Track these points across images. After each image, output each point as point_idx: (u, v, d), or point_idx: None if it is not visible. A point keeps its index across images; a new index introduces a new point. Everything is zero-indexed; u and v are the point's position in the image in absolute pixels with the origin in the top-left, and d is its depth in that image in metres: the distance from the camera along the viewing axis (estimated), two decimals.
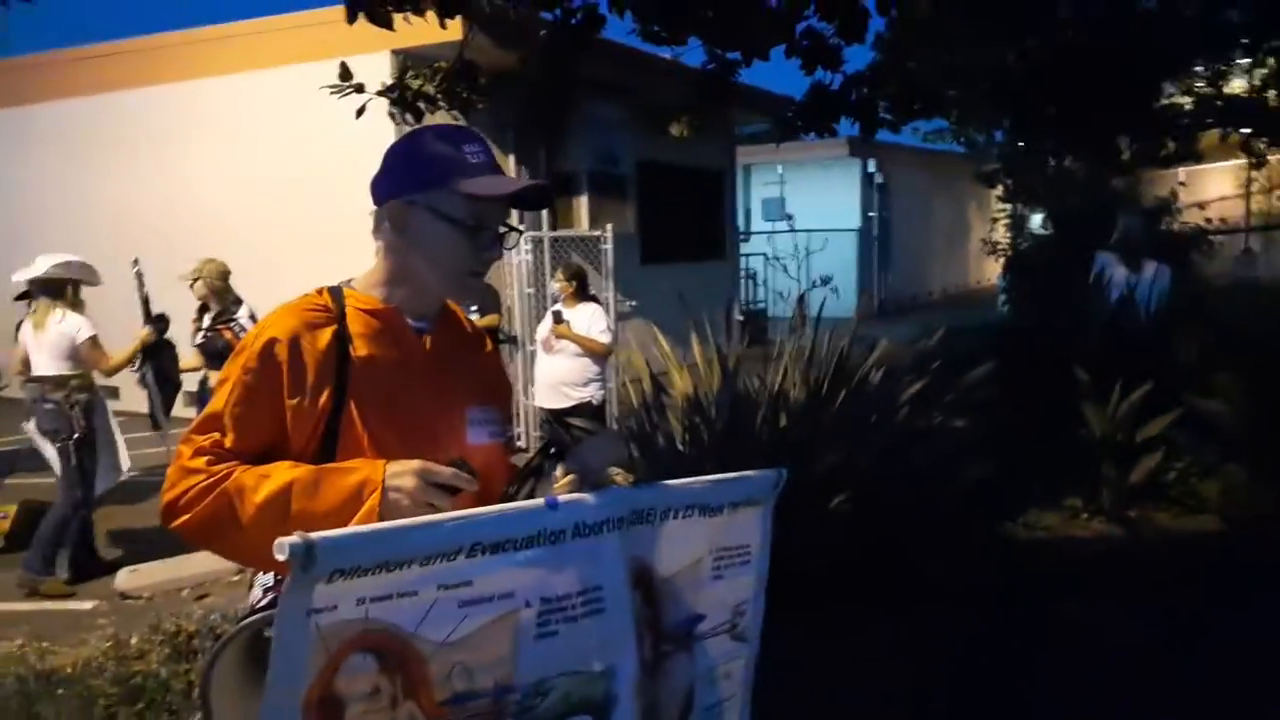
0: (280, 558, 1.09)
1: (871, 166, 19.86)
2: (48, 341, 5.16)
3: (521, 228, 8.35)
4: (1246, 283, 12.23)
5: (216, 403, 1.50)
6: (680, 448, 4.25)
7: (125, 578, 5.01)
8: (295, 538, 1.10)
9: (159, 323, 5.40)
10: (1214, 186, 21.13)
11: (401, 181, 1.56)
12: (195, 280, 5.70)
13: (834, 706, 3.29)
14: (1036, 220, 15.93)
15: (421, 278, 1.58)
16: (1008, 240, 14.92)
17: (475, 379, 1.68)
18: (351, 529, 1.21)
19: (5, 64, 11.01)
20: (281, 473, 1.42)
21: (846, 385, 4.47)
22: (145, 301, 5.38)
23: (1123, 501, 5.21)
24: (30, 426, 5.34)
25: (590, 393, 5.85)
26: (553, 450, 1.53)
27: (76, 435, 5.16)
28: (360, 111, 4.49)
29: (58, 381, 5.16)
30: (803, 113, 6.09)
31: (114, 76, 9.82)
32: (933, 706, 3.36)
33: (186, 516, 1.43)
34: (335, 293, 1.60)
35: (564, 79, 7.05)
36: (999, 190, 15.45)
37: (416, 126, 5.30)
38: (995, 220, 16.85)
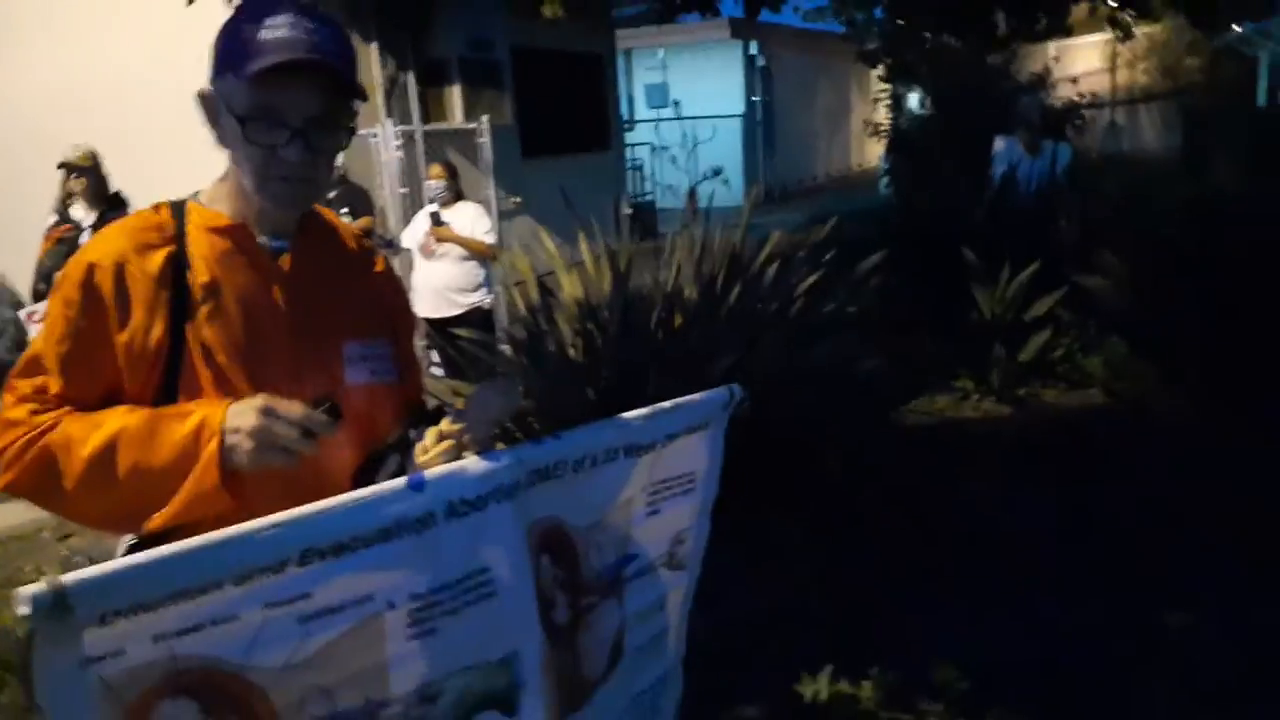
0: (24, 612, 0.87)
1: (754, 49, 19.49)
2: None
3: (374, 129, 7.83)
4: (1116, 156, 12.59)
5: (38, 341, 1.27)
6: (572, 354, 4.05)
7: None
8: (39, 586, 0.88)
9: None
10: (1082, 61, 21.59)
11: (211, 67, 1.29)
12: (82, 169, 4.98)
13: (741, 614, 3.24)
14: (915, 99, 15.98)
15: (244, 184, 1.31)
16: (889, 121, 14.94)
17: (356, 306, 1.41)
18: (119, 563, 0.96)
19: None
20: (113, 420, 1.20)
21: (741, 280, 4.33)
22: None
23: (1012, 381, 5.30)
24: None
25: (479, 297, 5.58)
26: (423, 416, 1.30)
27: None
28: (190, 2, 3.99)
29: None
30: None
31: None
32: (837, 603, 3.35)
33: (9, 476, 1.22)
34: (177, 209, 1.33)
35: None
36: (880, 70, 15.37)
37: None
38: (876, 101, 16.84)
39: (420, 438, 1.25)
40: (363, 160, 7.63)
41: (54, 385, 1.25)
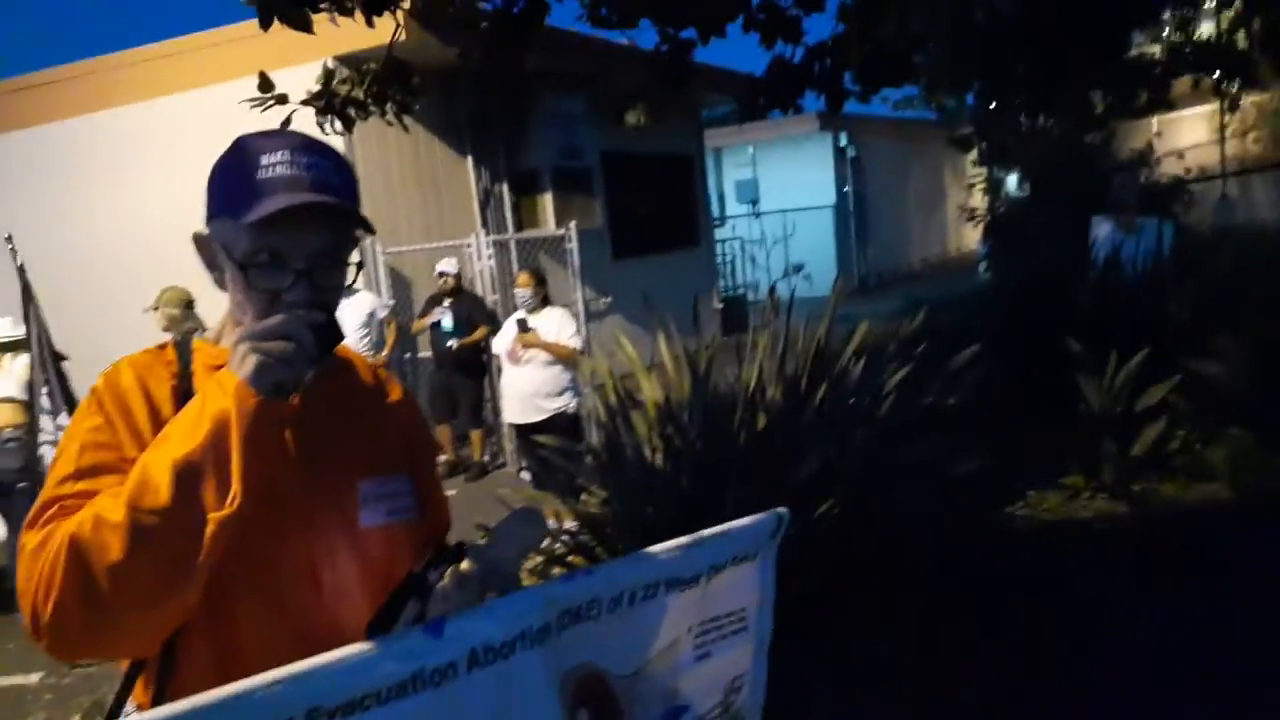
0: None
1: (843, 140, 19.57)
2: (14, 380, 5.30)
3: (469, 239, 8.02)
4: (1228, 230, 12.02)
5: (58, 471, 1.14)
6: (651, 460, 3.96)
7: None
8: None
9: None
10: (1188, 134, 20.94)
11: (206, 209, 1.24)
12: (156, 310, 5.49)
13: None
14: (1012, 182, 15.72)
15: None
16: (985, 205, 14.70)
17: (372, 441, 1.33)
18: None
19: None
20: (134, 469, 1.08)
21: (826, 377, 4.19)
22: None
23: (1125, 475, 4.95)
24: None
25: (564, 402, 5.57)
26: (444, 555, 1.20)
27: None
28: (285, 124, 4.17)
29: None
30: (765, 89, 5.82)
31: (48, 107, 9.44)
32: None
33: (49, 608, 1.04)
34: (182, 347, 1.29)
35: (513, 72, 6.75)
36: (973, 154, 15.21)
37: (344, 135, 5.03)
38: (971, 185, 16.63)
39: (440, 579, 1.16)
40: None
41: (72, 491, 1.11)
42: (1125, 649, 3.48)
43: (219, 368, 1.18)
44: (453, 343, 7.23)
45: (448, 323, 7.29)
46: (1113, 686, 3.25)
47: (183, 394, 1.21)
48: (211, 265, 1.26)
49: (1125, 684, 3.26)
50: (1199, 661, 3.35)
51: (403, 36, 5.60)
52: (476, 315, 7.37)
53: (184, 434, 1.09)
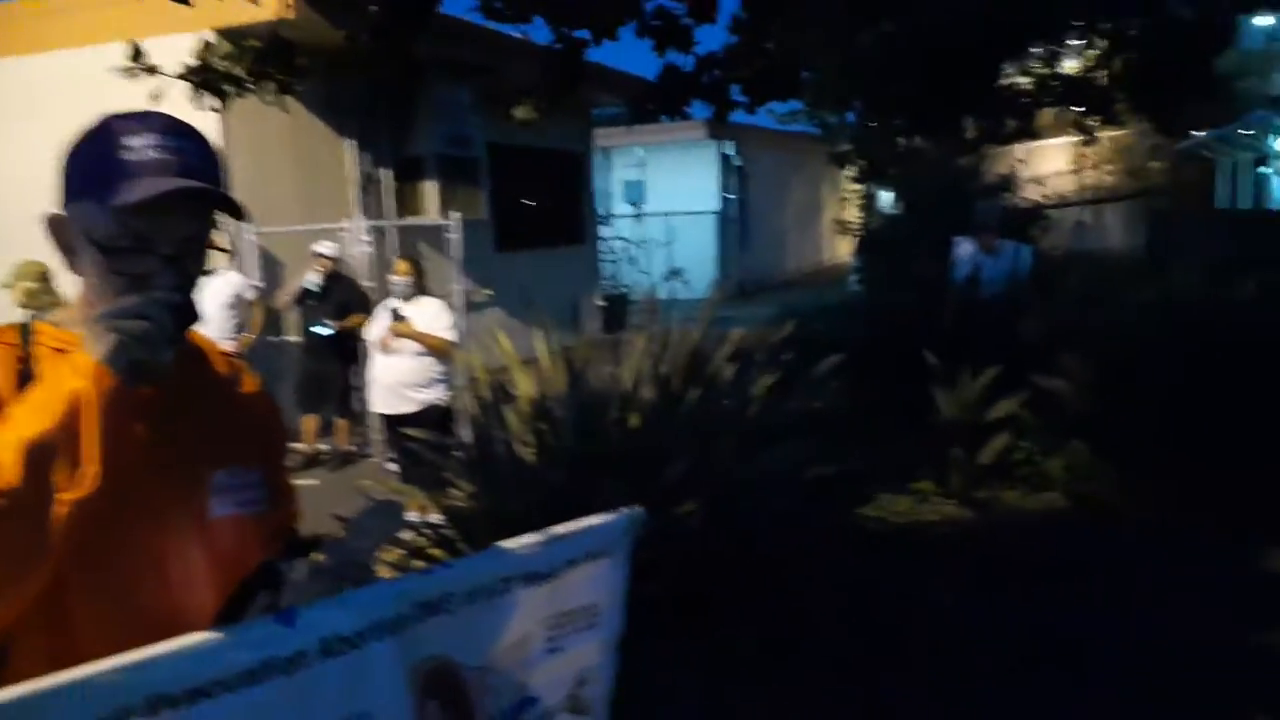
0: None
1: (730, 148, 19.95)
2: None
3: (226, 246, 7.80)
4: (1080, 256, 12.82)
5: None
6: (522, 456, 3.98)
7: None
8: None
9: None
10: (1049, 163, 22.18)
11: (63, 190, 1.21)
12: (13, 286, 5.24)
13: None
14: (886, 199, 16.33)
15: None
16: (859, 220, 15.22)
17: (224, 433, 1.30)
18: None
19: None
20: None
21: (699, 380, 4.30)
22: None
23: (971, 483, 5.25)
24: None
25: (435, 395, 5.51)
26: (297, 546, 1.21)
27: None
28: (156, 97, 4.02)
29: None
30: (654, 94, 5.91)
31: None
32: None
33: None
34: (22, 329, 1.23)
35: (402, 58, 6.65)
36: (851, 170, 15.72)
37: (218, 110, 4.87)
38: (846, 200, 17.20)
39: (291, 570, 1.17)
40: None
41: None
42: (976, 646, 3.71)
43: (63, 351, 1.15)
44: (324, 326, 7.06)
45: (313, 280, 7.11)
46: (971, 679, 3.47)
47: (24, 377, 1.17)
48: (65, 248, 1.22)
49: (980, 677, 3.48)
50: (1041, 654, 3.61)
51: (289, 15, 5.47)
52: (355, 303, 7.22)
53: (33, 414, 1.05)
